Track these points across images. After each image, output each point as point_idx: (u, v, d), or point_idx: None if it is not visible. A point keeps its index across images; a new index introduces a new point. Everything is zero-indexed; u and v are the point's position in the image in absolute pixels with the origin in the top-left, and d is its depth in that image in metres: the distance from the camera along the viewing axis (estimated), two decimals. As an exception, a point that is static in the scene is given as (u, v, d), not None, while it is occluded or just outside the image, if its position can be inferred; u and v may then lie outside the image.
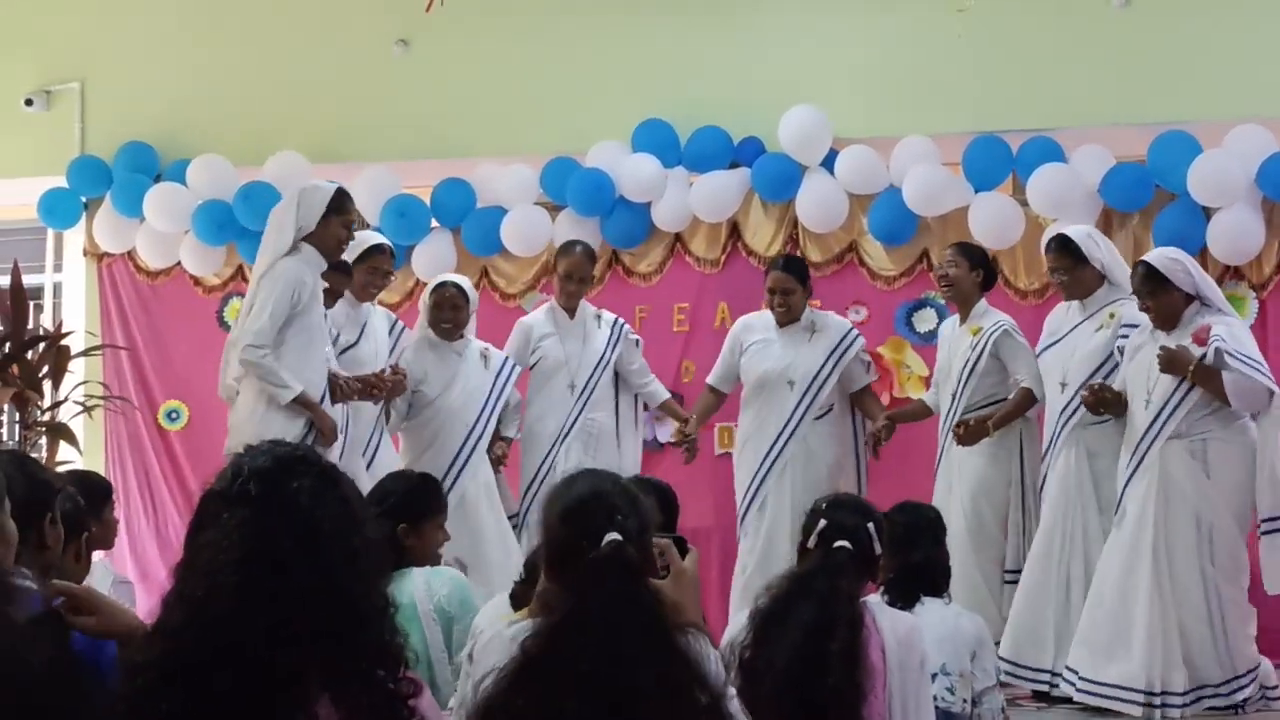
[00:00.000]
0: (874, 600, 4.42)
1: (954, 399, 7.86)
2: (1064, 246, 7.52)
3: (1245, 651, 6.95)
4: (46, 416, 9.68)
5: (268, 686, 2.49)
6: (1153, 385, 7.00)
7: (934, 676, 4.73)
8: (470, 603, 4.96)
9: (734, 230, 9.36)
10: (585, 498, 3.26)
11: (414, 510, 5.29)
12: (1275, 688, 7.06)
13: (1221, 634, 6.90)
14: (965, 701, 5.01)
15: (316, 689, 2.51)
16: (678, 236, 9.42)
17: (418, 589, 4.98)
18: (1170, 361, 6.87)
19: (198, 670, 2.50)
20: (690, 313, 9.37)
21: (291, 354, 6.92)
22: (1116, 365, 7.32)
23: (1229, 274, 8.62)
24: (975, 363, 7.80)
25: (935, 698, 4.61)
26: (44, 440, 9.59)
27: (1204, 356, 6.84)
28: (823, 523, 4.25)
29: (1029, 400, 7.67)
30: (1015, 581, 7.53)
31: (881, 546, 4.28)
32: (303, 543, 2.55)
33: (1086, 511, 7.35)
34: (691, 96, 9.41)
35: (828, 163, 9.08)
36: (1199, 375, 6.84)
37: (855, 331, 8.25)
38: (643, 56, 9.63)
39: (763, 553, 7.90)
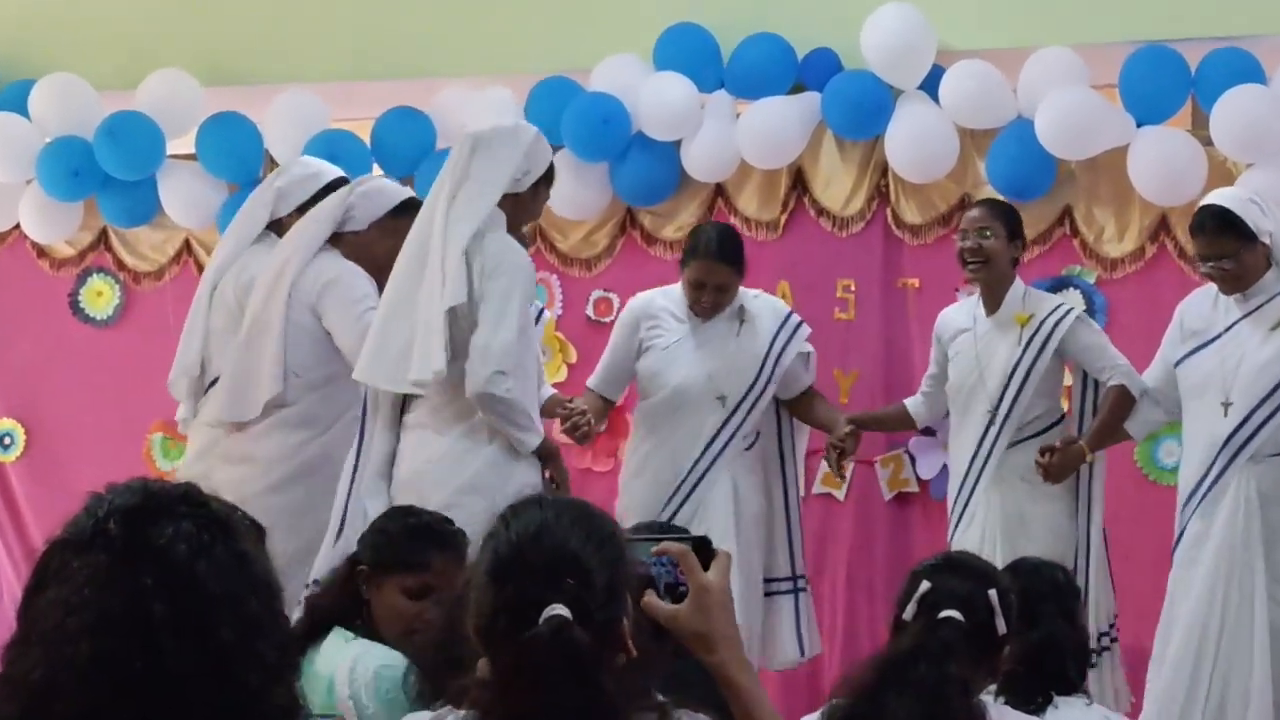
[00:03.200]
0: (990, 702, 4.41)
1: (996, 414, 7.94)
2: (1226, 223, 7.54)
3: None
4: None
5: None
6: None
7: None
8: (396, 704, 4.98)
9: (798, 180, 9.39)
10: (526, 543, 3.21)
11: (376, 552, 5.35)
12: None
13: None
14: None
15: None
16: (719, 189, 9.44)
17: (343, 668, 5.03)
18: None
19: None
20: (737, 295, 9.38)
21: (522, 385, 6.99)
22: None
23: None
24: (1033, 363, 7.93)
25: None
26: None
27: None
28: (925, 585, 4.25)
29: (1128, 403, 7.82)
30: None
31: (1008, 623, 4.28)
32: (180, 605, 2.53)
33: (1254, 576, 7.39)
34: (738, -7, 9.44)
35: (930, 84, 9.10)
36: None
37: (797, 317, 8.48)
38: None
39: None
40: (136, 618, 2.52)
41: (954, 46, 9.13)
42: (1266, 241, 7.53)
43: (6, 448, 10.34)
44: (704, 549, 3.37)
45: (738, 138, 9.23)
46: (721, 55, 9.36)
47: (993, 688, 4.70)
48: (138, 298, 10.24)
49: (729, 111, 9.31)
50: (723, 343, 8.22)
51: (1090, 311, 8.64)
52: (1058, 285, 8.95)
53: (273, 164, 9.83)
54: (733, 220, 9.31)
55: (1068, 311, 7.94)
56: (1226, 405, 7.46)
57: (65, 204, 10.09)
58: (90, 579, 2.56)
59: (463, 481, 6.81)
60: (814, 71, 9.26)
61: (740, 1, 9.39)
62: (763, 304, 8.46)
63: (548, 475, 7.00)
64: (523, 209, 7.13)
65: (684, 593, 3.31)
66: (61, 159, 9.90)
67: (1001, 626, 4.27)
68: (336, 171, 7.89)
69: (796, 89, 9.27)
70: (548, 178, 7.24)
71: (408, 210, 7.42)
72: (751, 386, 8.17)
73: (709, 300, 8.22)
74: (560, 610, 3.09)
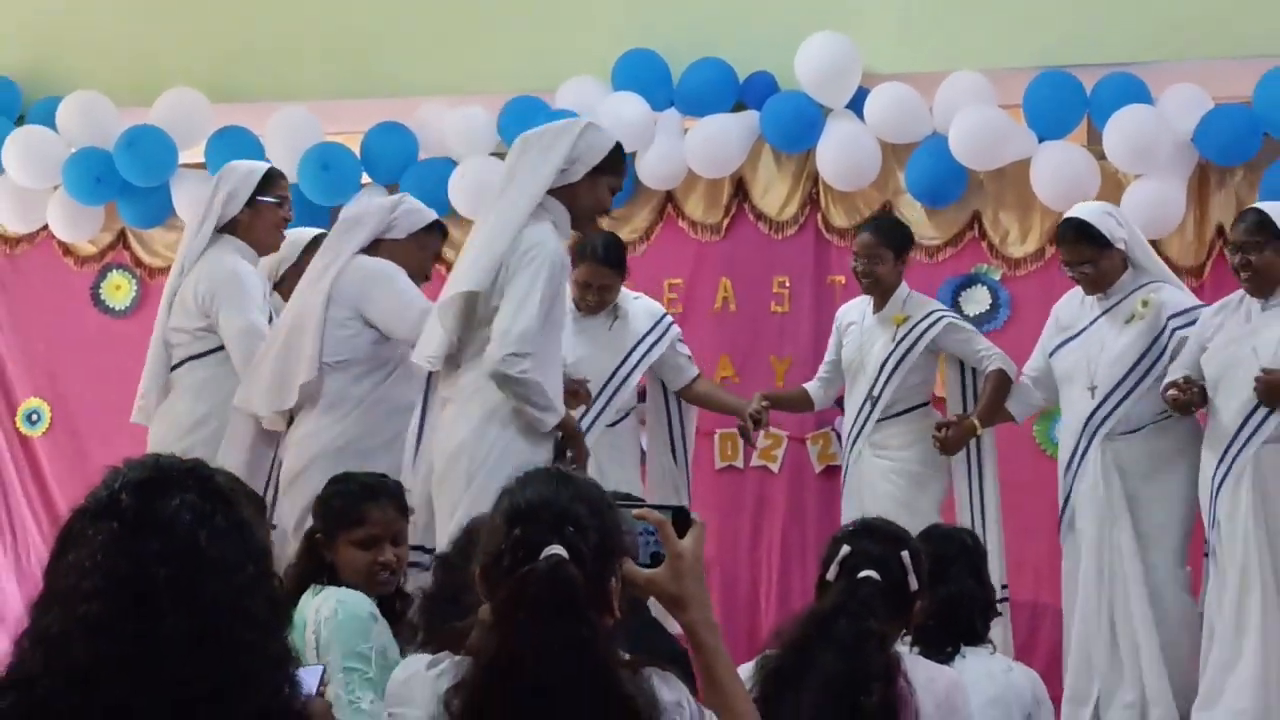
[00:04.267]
0: (905, 652, 4.40)
1: (870, 395, 8.10)
2: (1084, 233, 7.61)
3: None
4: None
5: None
6: (1260, 360, 7.08)
7: None
8: (346, 636, 5.02)
9: (739, 188, 9.38)
10: (535, 499, 3.26)
11: (325, 518, 5.45)
12: None
13: None
14: (1019, 777, 5.00)
15: (199, 756, 2.50)
16: (669, 196, 9.44)
17: (311, 607, 5.11)
18: (1271, 392, 6.98)
19: (54, 728, 2.49)
20: (684, 290, 9.38)
21: (542, 368, 6.68)
22: (1158, 360, 7.45)
23: (1355, 242, 8.65)
24: (903, 357, 8.05)
25: None
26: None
27: None
28: (845, 549, 4.24)
29: (1007, 382, 7.94)
30: None
31: (919, 581, 4.27)
32: (180, 570, 2.53)
33: (1120, 536, 7.44)
34: (687, 22, 9.43)
35: (856, 104, 9.09)
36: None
37: (670, 319, 8.46)
38: (626, -28, 9.64)
39: None
40: (140, 581, 2.53)
41: (877, 70, 9.13)
42: (1121, 248, 7.59)
43: (34, 424, 10.29)
44: (683, 518, 3.38)
45: (686, 151, 9.23)
46: (671, 77, 9.35)
47: (908, 639, 4.65)
48: (152, 291, 10.17)
49: (678, 127, 9.31)
50: (594, 335, 8.18)
51: (995, 305, 8.74)
52: (967, 281, 8.98)
53: (273, 172, 9.84)
54: (681, 223, 9.33)
55: (940, 318, 8.00)
56: (1092, 389, 7.54)
57: (88, 208, 10.05)
58: (102, 545, 2.56)
59: (454, 446, 6.63)
60: (753, 92, 9.27)
61: (688, 29, 9.37)
62: (640, 305, 8.39)
63: (569, 455, 6.77)
64: (579, 198, 6.78)
65: (663, 558, 3.33)
66: (84, 167, 9.86)
67: (914, 584, 4.26)
68: (264, 167, 7.85)
69: (738, 107, 9.27)
70: (606, 166, 6.84)
71: (438, 228, 7.49)
72: (612, 375, 8.13)
73: (593, 299, 8.19)
74: (558, 549, 3.14)
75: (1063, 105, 8.82)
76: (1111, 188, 8.71)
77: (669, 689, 3.21)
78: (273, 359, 7.13)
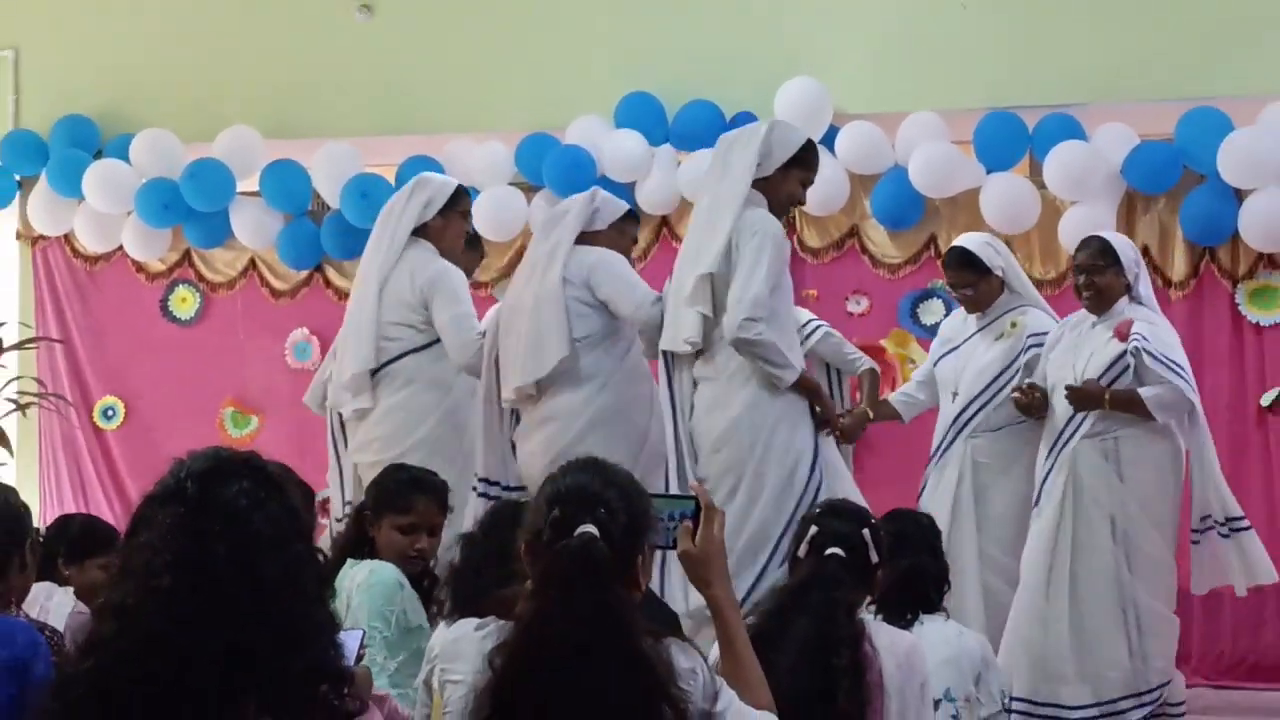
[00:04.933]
0: (869, 619, 4.39)
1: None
2: (966, 261, 7.55)
3: (1159, 666, 7.03)
4: (-24, 415, 9.67)
5: (202, 704, 2.50)
6: (1078, 376, 7.09)
7: (937, 704, 4.64)
8: (373, 599, 5.03)
9: (725, 213, 9.35)
10: (574, 485, 3.30)
11: (375, 499, 5.40)
12: (1180, 704, 7.17)
13: (1138, 646, 7.00)
14: (971, 730, 4.97)
15: (254, 708, 2.51)
16: (664, 220, 9.43)
17: (349, 577, 5.10)
18: (1081, 400, 7.00)
19: (127, 686, 2.50)
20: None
21: (777, 330, 6.51)
22: (1015, 374, 7.40)
23: (1262, 262, 8.67)
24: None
25: None
26: (-27, 441, 9.58)
27: (1123, 355, 6.96)
28: (814, 529, 4.24)
29: (877, 377, 7.80)
30: None
31: (879, 554, 4.26)
32: (238, 548, 2.56)
33: (965, 525, 7.41)
34: (680, 68, 9.43)
35: (827, 140, 9.05)
36: (1116, 404, 6.96)
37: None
38: (627, 24, 9.64)
39: None
40: (203, 557, 2.55)
41: (846, 110, 9.14)
42: (999, 274, 7.53)
43: (109, 419, 10.30)
44: (709, 507, 3.47)
45: (679, 181, 9.22)
46: (666, 117, 9.35)
47: (872, 608, 4.61)
48: (213, 303, 10.20)
49: (672, 160, 9.31)
50: None
51: (948, 315, 8.66)
52: (925, 295, 8.97)
53: (319, 199, 9.83)
54: (675, 244, 9.23)
55: (817, 327, 7.84)
56: (955, 394, 7.51)
57: (157, 230, 10.05)
58: (170, 526, 2.58)
59: (728, 421, 6.48)
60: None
61: (681, 75, 9.37)
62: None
63: (818, 411, 6.61)
64: (774, 190, 6.61)
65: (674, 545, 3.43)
66: (154, 196, 9.86)
67: (874, 557, 4.22)
68: (456, 183, 7.55)
69: (724, 143, 9.27)
70: (797, 160, 6.68)
71: (633, 216, 7.30)
72: None
73: None
74: (590, 528, 3.19)
75: (1008, 141, 8.84)
76: (1050, 214, 8.73)
77: (686, 658, 3.23)
78: (516, 343, 6.86)
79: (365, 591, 5.05)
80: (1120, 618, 6.97)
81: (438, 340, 7.08)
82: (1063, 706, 6.99)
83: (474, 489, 6.84)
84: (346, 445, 7.30)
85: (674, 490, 6.31)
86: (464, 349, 7.01)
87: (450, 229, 7.33)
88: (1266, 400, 8.64)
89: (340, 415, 7.32)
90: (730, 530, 6.11)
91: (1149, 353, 6.88)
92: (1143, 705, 6.99)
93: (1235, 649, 8.58)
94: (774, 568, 6.21)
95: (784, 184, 6.66)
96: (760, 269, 6.36)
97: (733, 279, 6.40)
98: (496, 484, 6.88)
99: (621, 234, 7.12)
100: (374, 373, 7.10)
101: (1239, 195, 8.52)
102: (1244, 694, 8.33)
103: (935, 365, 7.73)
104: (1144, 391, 6.87)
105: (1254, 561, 7.07)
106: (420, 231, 7.26)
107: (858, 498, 6.49)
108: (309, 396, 7.58)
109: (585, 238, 6.96)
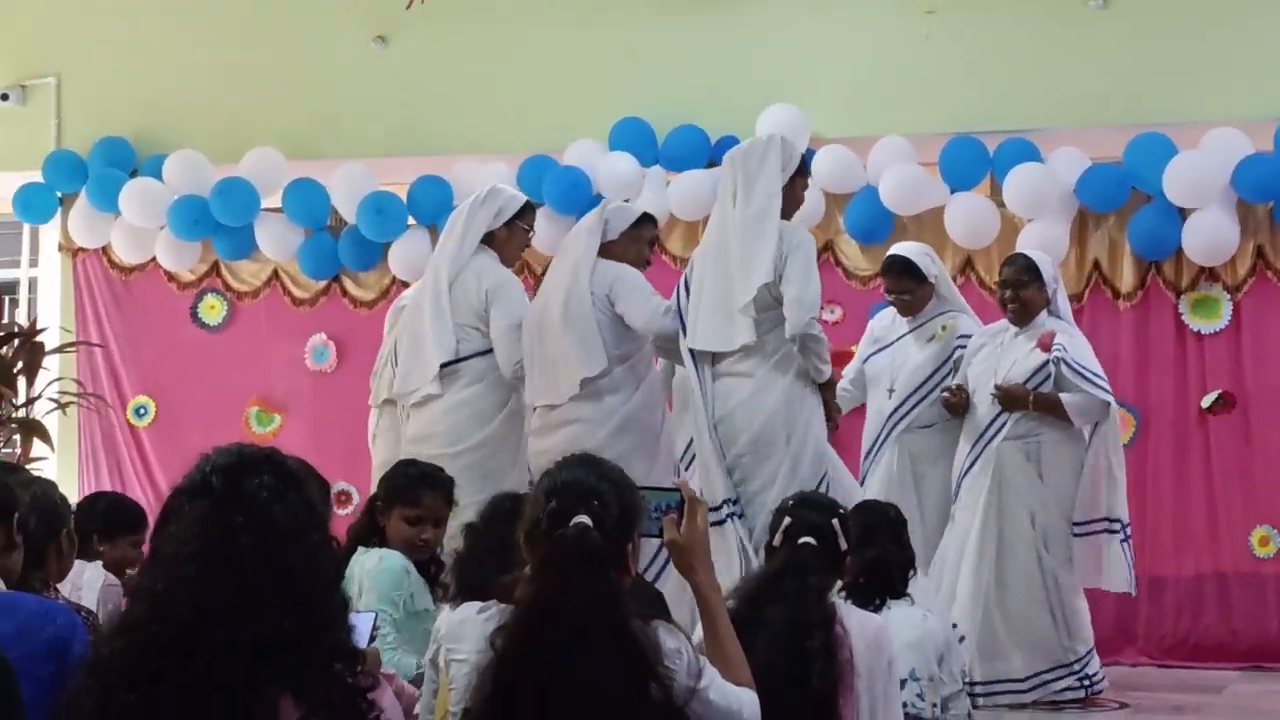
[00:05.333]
0: (840, 602, 4.39)
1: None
2: (906, 269, 7.63)
3: (1084, 634, 7.26)
4: (20, 413, 9.65)
5: (228, 683, 2.50)
6: (1002, 382, 7.21)
7: (903, 683, 4.61)
8: (382, 584, 5.04)
9: (711, 229, 9.36)
10: (569, 479, 3.32)
11: (386, 491, 5.37)
12: (1100, 676, 7.32)
13: (1062, 618, 7.22)
14: (934, 706, 4.94)
15: (277, 686, 2.52)
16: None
17: (359, 564, 5.10)
18: (1008, 400, 7.13)
19: (158, 666, 2.51)
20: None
21: None
22: (946, 374, 7.49)
23: (1204, 276, 8.68)
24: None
25: (904, 704, 4.52)
26: (17, 437, 9.56)
27: (1045, 365, 7.13)
28: (787, 520, 4.24)
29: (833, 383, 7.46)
30: None
31: (849, 543, 4.26)
32: (260, 539, 2.56)
33: (908, 513, 7.44)
34: (669, 95, 9.43)
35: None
36: (1039, 405, 7.12)
37: None
38: (620, 54, 9.65)
39: None
40: (228, 547, 2.56)
41: (822, 135, 9.15)
42: (933, 281, 7.63)
43: (142, 416, 10.28)
44: (692, 496, 3.51)
45: (668, 199, 9.23)
46: (657, 140, 9.37)
47: (843, 592, 4.61)
48: (239, 311, 10.20)
49: (662, 180, 9.31)
50: None
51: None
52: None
53: (336, 215, 9.83)
54: (664, 257, 9.22)
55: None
56: (891, 391, 7.57)
57: (188, 243, 10.05)
58: (197, 518, 2.59)
59: (767, 414, 6.53)
60: (723, 152, 9.04)
61: (670, 102, 9.37)
62: None
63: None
64: (789, 198, 6.77)
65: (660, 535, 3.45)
66: (185, 211, 9.86)
67: (843, 545, 4.23)
68: (524, 197, 7.46)
69: (710, 164, 9.20)
70: (802, 170, 6.91)
71: (647, 221, 7.21)
72: None
73: None
74: (584, 519, 3.21)
75: (970, 164, 8.86)
76: (1009, 230, 8.75)
77: (672, 639, 3.24)
78: (549, 355, 6.80)
79: (375, 577, 5.06)
80: (1045, 596, 7.19)
81: None
82: (1013, 680, 7.10)
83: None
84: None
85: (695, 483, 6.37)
86: (511, 360, 6.90)
87: (514, 240, 7.23)
88: (1206, 403, 8.66)
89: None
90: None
91: (1068, 363, 7.10)
92: (1072, 674, 7.17)
93: (1177, 630, 8.60)
94: None
95: (794, 191, 6.82)
96: (813, 274, 6.55)
97: (785, 284, 6.50)
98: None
99: (635, 240, 7.06)
100: (443, 366, 6.94)
101: (1182, 214, 8.54)
102: (1187, 672, 8.34)
103: (865, 362, 7.79)
104: (1064, 397, 7.09)
105: (1116, 569, 7.27)
106: (486, 239, 7.14)
107: (855, 485, 6.60)
108: (373, 398, 7.43)
109: (603, 250, 6.91)
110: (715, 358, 6.72)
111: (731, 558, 6.34)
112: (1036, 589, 7.19)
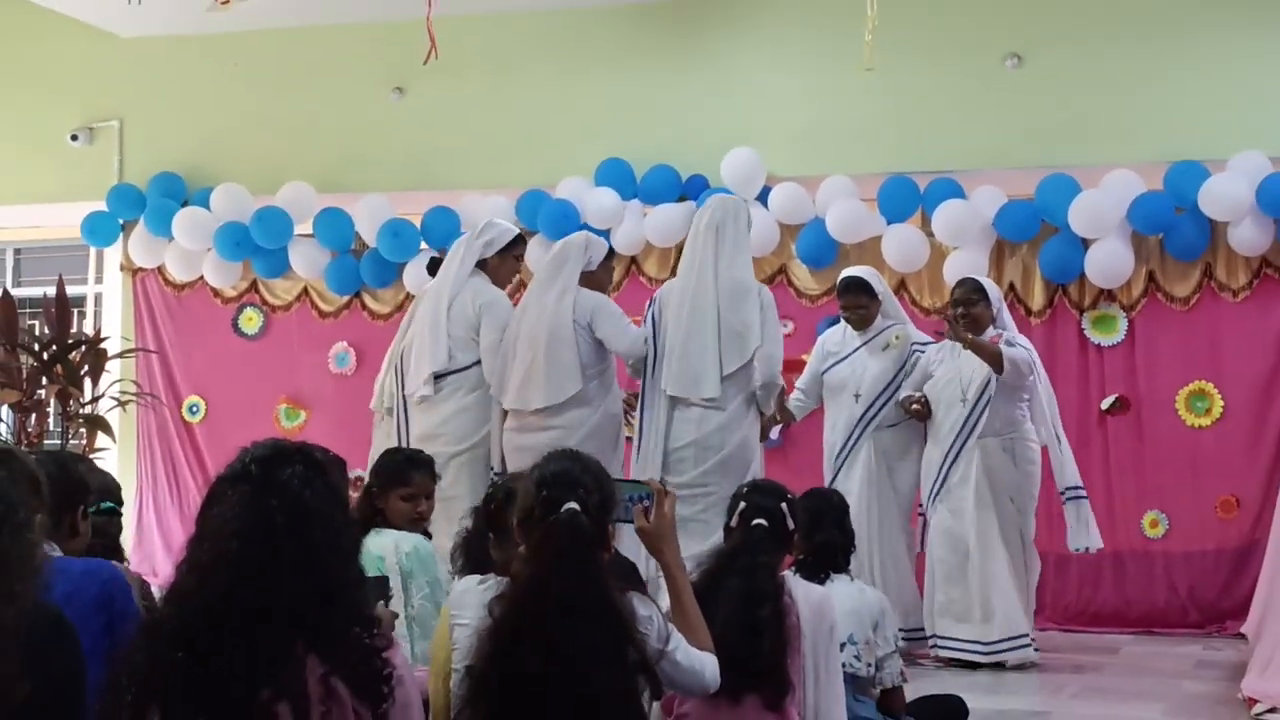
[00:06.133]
0: (789, 575, 4.39)
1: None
2: (863, 288, 7.62)
3: (1031, 610, 7.39)
4: (86, 410, 9.65)
5: (262, 643, 2.50)
6: (967, 386, 7.25)
7: (842, 646, 4.59)
8: (429, 564, 4.98)
9: (681, 254, 9.33)
10: (558, 471, 3.31)
11: (380, 478, 5.25)
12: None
13: (1025, 588, 7.30)
14: (869, 666, 4.92)
15: (304, 646, 2.52)
16: (633, 259, 9.43)
17: (388, 546, 4.99)
18: (976, 347, 7.18)
19: (203, 628, 2.51)
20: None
21: None
22: (907, 377, 7.51)
23: (1103, 296, 8.71)
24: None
25: (844, 664, 4.51)
26: (83, 431, 9.56)
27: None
28: (742, 504, 4.23)
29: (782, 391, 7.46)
30: None
31: (796, 524, 4.24)
32: (292, 519, 2.57)
33: (886, 501, 7.49)
34: (646, 139, 9.44)
35: (762, 197, 9.11)
36: (989, 352, 7.15)
37: None
38: (605, 104, 9.65)
39: None
40: (266, 526, 2.56)
41: (776, 174, 9.17)
42: (881, 299, 7.64)
43: (194, 413, 10.27)
44: (661, 490, 3.52)
45: (645, 228, 9.24)
46: (635, 177, 9.36)
47: (794, 569, 4.61)
48: (274, 322, 10.20)
49: (639, 212, 9.32)
50: None
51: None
52: (836, 319, 8.92)
53: (359, 240, 9.83)
54: (641, 279, 9.29)
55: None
56: (858, 396, 7.53)
57: (230, 263, 10.05)
58: (238, 501, 2.59)
59: (739, 440, 6.60)
60: (692, 189, 9.27)
61: (647, 145, 9.38)
62: None
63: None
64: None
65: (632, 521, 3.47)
66: (229, 236, 9.86)
67: (791, 525, 4.21)
68: (517, 230, 7.34)
69: (681, 199, 9.27)
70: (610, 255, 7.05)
71: (613, 253, 7.22)
72: None
73: None
74: (574, 505, 3.22)
75: (904, 200, 8.87)
76: (937, 257, 8.78)
77: (643, 606, 3.26)
78: (528, 368, 6.70)
79: (419, 560, 4.94)
80: (1024, 567, 7.28)
81: None
82: (979, 643, 7.15)
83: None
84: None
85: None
86: (494, 370, 6.85)
87: (504, 267, 7.12)
88: (1105, 405, 8.70)
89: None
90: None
91: (1009, 342, 7.18)
92: (1016, 648, 7.16)
93: (1079, 600, 8.64)
94: None
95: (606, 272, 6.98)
96: (778, 329, 6.76)
97: (764, 338, 6.61)
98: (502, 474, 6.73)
99: (607, 269, 7.07)
100: (441, 375, 6.85)
101: (1085, 243, 8.57)
102: (1087, 636, 8.37)
103: (824, 374, 7.72)
104: (1004, 349, 7.15)
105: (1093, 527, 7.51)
106: (481, 265, 7.07)
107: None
108: (375, 402, 7.34)
109: (583, 277, 6.87)
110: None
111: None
112: (1018, 562, 7.26)
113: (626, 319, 6.91)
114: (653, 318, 6.86)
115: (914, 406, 7.37)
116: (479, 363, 6.90)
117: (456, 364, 6.89)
